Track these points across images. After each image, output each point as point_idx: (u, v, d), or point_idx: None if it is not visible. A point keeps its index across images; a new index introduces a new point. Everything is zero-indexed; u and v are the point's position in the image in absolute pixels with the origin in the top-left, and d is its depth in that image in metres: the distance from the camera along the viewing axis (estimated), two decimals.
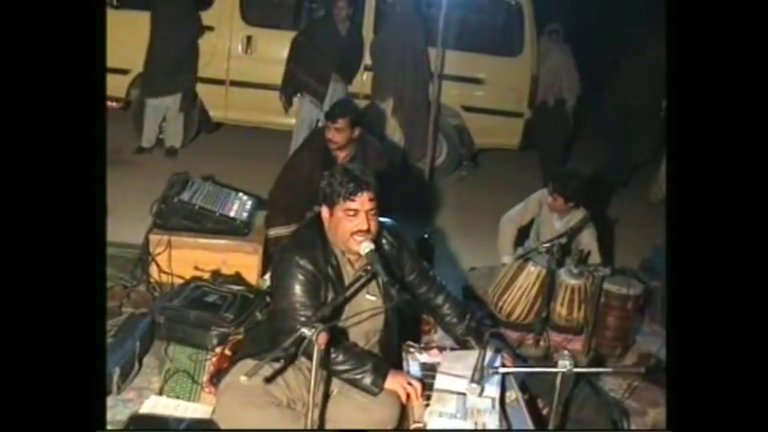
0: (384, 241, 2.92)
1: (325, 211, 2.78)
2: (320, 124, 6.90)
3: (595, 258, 4.61)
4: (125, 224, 5.01)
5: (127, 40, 6.93)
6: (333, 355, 2.67)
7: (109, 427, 2.98)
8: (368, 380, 2.69)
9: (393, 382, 2.71)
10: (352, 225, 2.69)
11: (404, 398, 2.71)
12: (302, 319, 2.60)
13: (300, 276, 2.71)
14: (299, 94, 6.89)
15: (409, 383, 2.70)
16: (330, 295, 2.73)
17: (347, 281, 2.77)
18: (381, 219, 2.87)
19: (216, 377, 3.24)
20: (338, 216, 2.71)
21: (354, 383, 2.71)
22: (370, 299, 2.84)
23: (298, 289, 2.70)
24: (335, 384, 2.84)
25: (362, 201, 2.69)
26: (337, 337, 2.71)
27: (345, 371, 2.70)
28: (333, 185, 2.71)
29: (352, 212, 2.69)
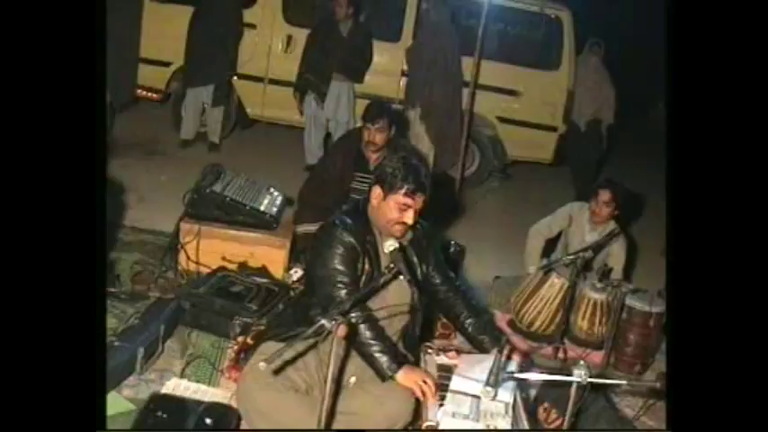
0: (419, 232, 3.04)
1: (377, 191, 2.88)
2: (330, 123, 6.98)
3: (619, 272, 4.59)
4: (158, 212, 5.13)
5: (169, 33, 7.11)
6: (363, 331, 2.75)
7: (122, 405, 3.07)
8: (384, 360, 2.74)
9: (409, 378, 2.74)
10: (400, 216, 2.84)
11: (419, 394, 2.73)
12: (339, 285, 2.77)
13: (340, 246, 2.83)
14: (307, 93, 6.99)
15: (424, 381, 2.73)
16: (366, 267, 2.86)
17: (382, 257, 2.87)
18: None
19: (242, 359, 3.31)
20: (390, 204, 2.84)
21: (371, 362, 2.76)
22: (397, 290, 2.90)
23: (337, 258, 2.82)
24: (354, 375, 2.89)
25: (418, 200, 2.85)
26: (371, 318, 2.81)
27: (368, 346, 2.75)
28: (397, 175, 2.83)
29: (405, 207, 2.83)
